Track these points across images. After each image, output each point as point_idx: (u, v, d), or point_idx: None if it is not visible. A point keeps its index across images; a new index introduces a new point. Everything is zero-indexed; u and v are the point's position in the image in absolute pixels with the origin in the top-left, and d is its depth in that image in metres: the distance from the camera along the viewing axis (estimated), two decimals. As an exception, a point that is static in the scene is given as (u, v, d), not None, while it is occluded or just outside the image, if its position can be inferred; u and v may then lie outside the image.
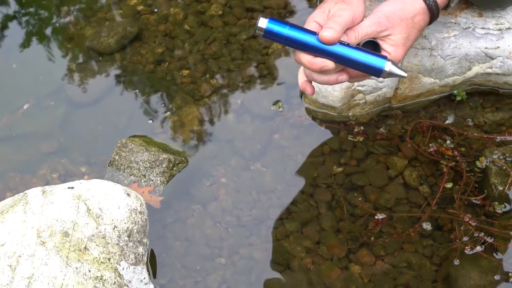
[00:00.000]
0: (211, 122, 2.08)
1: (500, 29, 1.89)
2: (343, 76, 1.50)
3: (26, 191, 1.68)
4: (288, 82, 2.12)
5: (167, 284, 1.78)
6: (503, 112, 1.97)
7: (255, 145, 2.01)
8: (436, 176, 1.88)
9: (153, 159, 1.91)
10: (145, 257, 1.68)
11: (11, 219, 1.58)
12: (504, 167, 1.79)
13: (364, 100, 1.96)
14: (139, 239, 1.66)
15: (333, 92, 1.93)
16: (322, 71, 1.46)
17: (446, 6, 1.61)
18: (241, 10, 2.34)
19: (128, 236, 1.62)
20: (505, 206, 1.77)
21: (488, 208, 1.78)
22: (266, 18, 1.46)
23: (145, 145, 1.96)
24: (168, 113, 2.11)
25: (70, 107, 2.17)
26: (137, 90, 2.19)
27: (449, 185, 1.83)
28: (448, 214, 1.79)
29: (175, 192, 1.91)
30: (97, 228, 1.59)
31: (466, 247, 1.72)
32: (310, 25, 1.48)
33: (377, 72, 1.47)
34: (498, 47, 1.88)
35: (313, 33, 1.44)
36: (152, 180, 1.90)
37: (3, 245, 1.53)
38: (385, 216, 1.80)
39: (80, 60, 2.31)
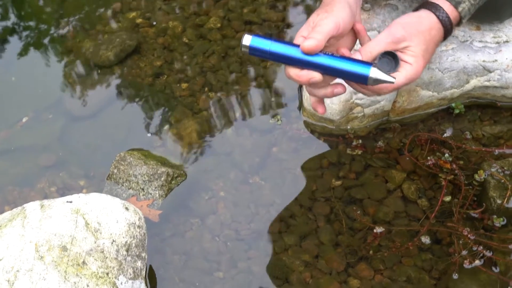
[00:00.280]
0: (210, 135, 2.08)
1: (497, 42, 1.90)
2: (339, 89, 1.49)
3: (24, 205, 1.68)
4: (287, 95, 2.13)
5: (165, 298, 1.78)
6: (501, 125, 1.98)
7: (253, 158, 2.01)
8: (435, 189, 1.87)
9: (151, 173, 1.91)
10: (144, 272, 1.68)
11: (9, 233, 1.58)
12: (503, 181, 1.79)
13: (362, 113, 1.96)
14: (137, 253, 1.65)
15: (332, 105, 1.93)
16: (311, 84, 1.45)
17: (459, 23, 1.60)
18: (239, 23, 2.35)
19: (127, 250, 1.62)
20: (503, 220, 1.77)
21: (486, 221, 1.78)
22: (251, 35, 1.46)
23: (144, 158, 1.96)
24: (167, 126, 2.11)
25: (68, 120, 2.17)
26: (136, 103, 2.20)
27: (448, 198, 1.83)
28: (447, 228, 1.78)
29: (174, 206, 1.91)
30: (95, 242, 1.58)
31: (465, 261, 1.71)
32: (298, 40, 1.47)
33: (363, 80, 1.45)
34: (496, 60, 1.89)
35: (297, 46, 1.44)
36: (151, 194, 1.90)
37: (1, 259, 1.53)
38: (383, 229, 1.80)
39: (79, 73, 2.31)
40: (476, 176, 1.84)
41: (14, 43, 2.46)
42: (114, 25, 2.43)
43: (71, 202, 1.66)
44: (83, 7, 2.57)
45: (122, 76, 2.27)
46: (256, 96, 2.15)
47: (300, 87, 2.09)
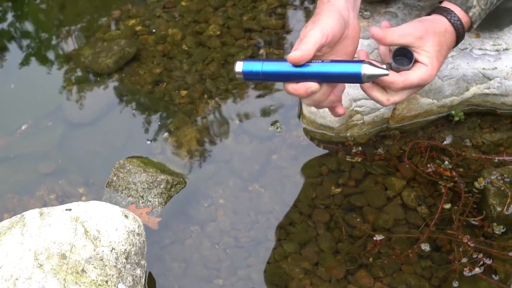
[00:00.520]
0: (209, 142, 2.08)
1: (497, 50, 1.90)
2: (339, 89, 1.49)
3: (23, 213, 1.67)
4: (286, 103, 2.13)
5: (165, 306, 1.78)
6: (501, 133, 1.97)
7: (253, 166, 2.01)
8: (435, 196, 1.87)
9: (151, 180, 1.91)
10: (143, 279, 1.67)
11: (8, 241, 1.58)
12: (503, 188, 1.79)
13: (362, 121, 1.96)
14: (137, 261, 1.65)
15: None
16: (309, 94, 1.45)
17: (469, 28, 1.60)
18: (239, 30, 2.35)
19: (126, 258, 1.62)
20: (503, 227, 1.76)
21: (486, 229, 1.77)
22: (242, 61, 1.47)
23: (143, 166, 1.96)
24: (166, 133, 2.10)
25: (68, 127, 2.17)
26: (135, 111, 2.20)
27: (448, 206, 1.83)
28: (446, 235, 1.78)
29: (173, 213, 1.91)
30: (94, 250, 1.58)
31: (465, 268, 1.71)
32: None
33: (358, 78, 1.42)
34: (496, 68, 1.89)
35: (286, 61, 1.44)
36: (150, 201, 1.90)
37: (0, 267, 1.52)
38: (383, 237, 1.80)
39: (78, 80, 2.31)
40: (476, 184, 1.84)
41: (14, 51, 2.47)
42: (113, 32, 2.43)
43: (70, 210, 1.66)
44: (83, 15, 2.57)
45: (121, 83, 2.27)
46: (255, 103, 2.15)
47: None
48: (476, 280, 1.70)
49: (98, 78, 2.29)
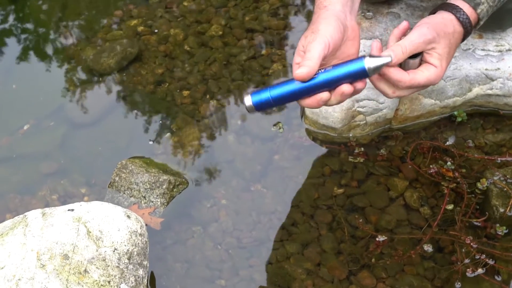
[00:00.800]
0: (211, 143, 2.07)
1: (500, 51, 1.90)
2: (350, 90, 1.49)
3: (26, 213, 1.67)
4: (288, 104, 2.12)
5: (167, 307, 1.78)
6: (503, 133, 1.97)
7: (255, 166, 2.01)
8: (437, 197, 1.87)
9: (153, 181, 1.91)
10: (145, 280, 1.67)
11: (11, 241, 1.58)
12: (505, 189, 1.79)
13: (364, 121, 1.96)
14: (139, 261, 1.65)
15: (334, 113, 1.93)
16: (323, 104, 1.45)
17: (476, 24, 1.59)
18: (241, 30, 2.35)
19: (128, 259, 1.61)
20: (506, 228, 1.76)
21: (489, 230, 1.77)
22: (249, 94, 1.48)
23: (145, 166, 1.96)
24: (168, 133, 2.10)
25: (70, 127, 2.17)
26: (137, 111, 2.19)
27: (450, 206, 1.83)
28: (449, 236, 1.78)
29: (175, 214, 1.91)
30: (97, 250, 1.58)
31: (468, 269, 1.71)
32: (294, 68, 1.48)
33: (364, 73, 1.43)
34: (499, 69, 1.89)
35: (293, 81, 1.45)
36: (152, 202, 1.90)
37: (2, 268, 1.52)
38: (386, 237, 1.80)
39: (80, 80, 2.31)
40: (478, 185, 1.84)
41: (15, 51, 2.47)
42: (115, 32, 2.43)
43: (72, 210, 1.65)
44: (85, 15, 2.57)
45: (123, 83, 2.27)
46: (257, 103, 2.15)
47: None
48: (479, 281, 1.70)
49: (100, 78, 2.29)
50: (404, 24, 1.57)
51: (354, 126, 1.97)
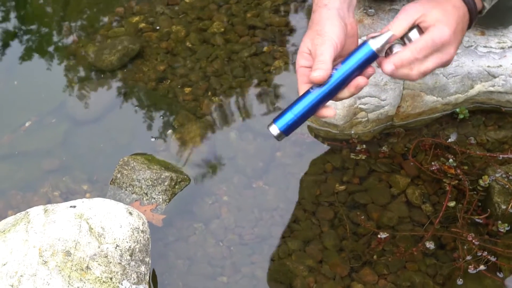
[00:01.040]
0: (213, 139, 2.07)
1: (502, 48, 1.90)
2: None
3: (28, 210, 1.67)
4: (290, 100, 2.10)
5: (169, 303, 1.78)
6: (505, 130, 1.97)
7: (257, 163, 2.01)
8: (439, 194, 1.87)
9: (155, 177, 1.91)
10: (147, 276, 1.67)
11: (13, 238, 1.58)
12: (507, 186, 1.79)
13: (366, 118, 1.96)
14: (141, 258, 1.65)
15: (336, 110, 1.93)
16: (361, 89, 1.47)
17: (481, 10, 1.56)
18: (243, 27, 2.35)
19: (130, 255, 1.62)
20: (508, 225, 1.76)
21: (491, 227, 1.77)
22: (273, 123, 1.47)
23: (147, 163, 1.96)
24: (170, 130, 2.10)
25: (72, 124, 2.17)
26: (139, 108, 2.19)
27: (452, 203, 1.83)
28: (451, 233, 1.78)
29: (177, 211, 1.91)
30: (99, 247, 1.58)
31: (470, 266, 1.71)
32: (299, 71, 1.48)
33: (374, 56, 1.43)
34: (501, 66, 1.89)
35: (308, 92, 1.45)
36: (154, 198, 1.90)
37: (4, 264, 1.52)
38: (388, 234, 1.80)
39: (82, 77, 2.31)
40: (480, 182, 1.84)
41: (17, 47, 2.46)
42: (117, 29, 2.43)
43: (74, 207, 1.65)
44: (86, 12, 2.57)
45: (125, 80, 2.27)
46: (259, 100, 2.15)
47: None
48: (481, 278, 1.70)
49: (102, 75, 2.29)
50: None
51: (356, 123, 1.97)
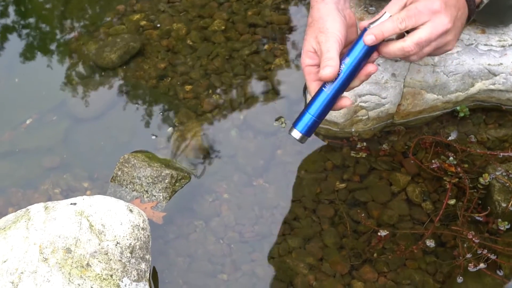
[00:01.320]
0: (214, 137, 2.07)
1: (503, 46, 1.90)
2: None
3: (28, 207, 1.67)
4: (291, 98, 2.13)
5: (169, 301, 1.78)
6: (506, 129, 1.97)
7: (257, 161, 2.01)
8: (439, 192, 1.87)
9: (155, 175, 1.91)
10: (148, 274, 1.68)
11: (14, 235, 1.58)
12: (507, 184, 1.79)
13: (367, 116, 1.96)
14: (141, 255, 1.65)
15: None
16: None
17: (478, 5, 1.56)
18: (243, 25, 2.35)
19: (131, 253, 1.62)
20: (508, 223, 1.76)
21: (491, 225, 1.77)
22: (293, 127, 1.51)
23: (148, 160, 1.96)
24: (171, 128, 2.10)
25: (72, 122, 2.17)
26: (140, 105, 2.20)
27: (452, 201, 1.83)
28: (451, 231, 1.78)
29: (178, 208, 1.91)
30: (99, 244, 1.58)
31: (470, 264, 1.71)
32: (306, 70, 1.50)
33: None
34: (501, 64, 1.89)
35: (321, 90, 1.48)
36: (155, 196, 1.90)
37: (5, 261, 1.52)
38: (388, 232, 1.80)
39: (83, 75, 2.31)
40: (481, 180, 1.84)
41: (17, 45, 2.46)
42: (118, 27, 2.43)
43: (75, 204, 1.66)
44: (87, 9, 2.57)
45: (126, 78, 2.27)
46: (260, 98, 2.15)
47: (305, 90, 2.09)
48: (481, 276, 1.70)
49: (103, 73, 2.29)
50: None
51: (357, 121, 1.97)
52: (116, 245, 1.60)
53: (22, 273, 1.50)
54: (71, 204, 1.65)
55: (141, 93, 2.22)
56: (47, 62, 2.40)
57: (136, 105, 2.20)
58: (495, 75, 1.90)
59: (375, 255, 1.77)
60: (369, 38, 1.45)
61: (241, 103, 2.15)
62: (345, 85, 1.47)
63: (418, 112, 1.98)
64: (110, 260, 1.57)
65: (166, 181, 1.91)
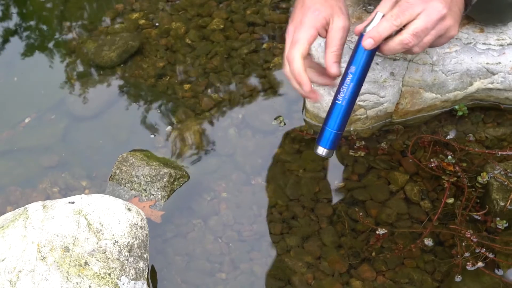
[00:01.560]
0: (212, 136, 2.07)
1: (501, 45, 1.89)
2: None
3: (26, 206, 1.67)
4: (289, 97, 2.13)
5: (167, 299, 1.78)
6: (504, 128, 1.97)
7: (256, 160, 2.01)
8: (438, 191, 1.87)
9: (154, 174, 1.91)
10: (146, 272, 1.68)
11: (12, 234, 1.58)
12: (506, 183, 1.78)
13: (365, 115, 1.96)
14: (139, 254, 1.65)
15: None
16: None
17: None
18: (242, 24, 2.35)
19: (129, 251, 1.62)
20: (506, 222, 1.76)
21: (489, 224, 1.77)
22: (317, 146, 1.58)
23: (146, 159, 1.96)
24: (169, 127, 2.10)
25: (71, 121, 2.17)
26: (138, 104, 2.20)
27: (451, 200, 1.83)
28: (449, 230, 1.78)
29: (176, 207, 1.91)
30: (97, 243, 1.58)
31: (468, 263, 1.71)
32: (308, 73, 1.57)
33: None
34: (500, 63, 1.89)
35: (335, 103, 1.55)
36: (153, 195, 1.90)
37: (3, 260, 1.53)
38: (386, 231, 1.80)
39: (82, 73, 2.31)
40: (479, 178, 1.84)
41: (16, 44, 2.47)
42: (116, 26, 2.43)
43: (73, 203, 1.66)
44: (86, 8, 2.57)
45: (124, 77, 2.27)
46: (258, 97, 2.15)
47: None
48: (479, 275, 1.70)
49: (101, 72, 2.29)
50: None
51: (355, 120, 1.97)
52: (114, 243, 1.60)
53: (20, 271, 1.50)
54: (69, 202, 1.65)
55: (140, 92, 2.22)
56: (46, 61, 2.41)
57: (135, 104, 2.20)
58: (494, 74, 1.89)
59: (373, 254, 1.77)
60: (368, 42, 1.45)
61: (240, 102, 2.15)
62: (357, 93, 1.50)
63: (417, 111, 1.98)
64: (108, 258, 1.57)
65: (165, 179, 1.91)
